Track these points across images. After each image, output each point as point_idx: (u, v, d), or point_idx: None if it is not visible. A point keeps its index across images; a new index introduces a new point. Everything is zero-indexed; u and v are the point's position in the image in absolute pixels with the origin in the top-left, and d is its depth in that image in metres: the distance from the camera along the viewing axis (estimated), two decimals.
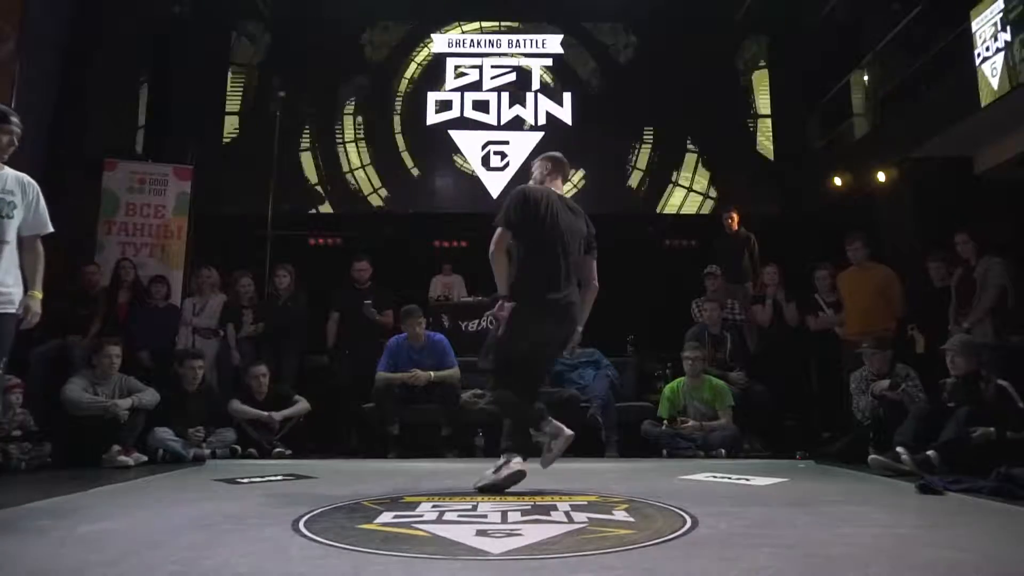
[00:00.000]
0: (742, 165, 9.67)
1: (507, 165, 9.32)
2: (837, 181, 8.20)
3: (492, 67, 9.62)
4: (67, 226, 6.98)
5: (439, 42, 9.68)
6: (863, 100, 8.24)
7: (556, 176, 3.68)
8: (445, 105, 9.57)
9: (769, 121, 9.75)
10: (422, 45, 9.86)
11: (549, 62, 9.66)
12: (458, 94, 9.59)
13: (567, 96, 9.57)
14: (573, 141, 9.46)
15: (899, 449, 4.17)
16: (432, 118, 9.51)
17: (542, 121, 9.53)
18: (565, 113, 9.54)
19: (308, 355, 6.61)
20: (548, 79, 9.67)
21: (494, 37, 9.62)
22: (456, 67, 9.64)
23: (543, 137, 9.37)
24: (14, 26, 6.58)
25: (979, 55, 5.86)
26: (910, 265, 6.13)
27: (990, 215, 6.43)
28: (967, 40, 6.03)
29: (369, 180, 9.60)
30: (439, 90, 9.66)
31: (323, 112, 9.76)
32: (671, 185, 9.68)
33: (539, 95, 9.55)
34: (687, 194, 9.66)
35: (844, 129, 8.48)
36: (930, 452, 4.02)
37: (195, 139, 8.78)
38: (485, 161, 9.38)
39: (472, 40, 9.65)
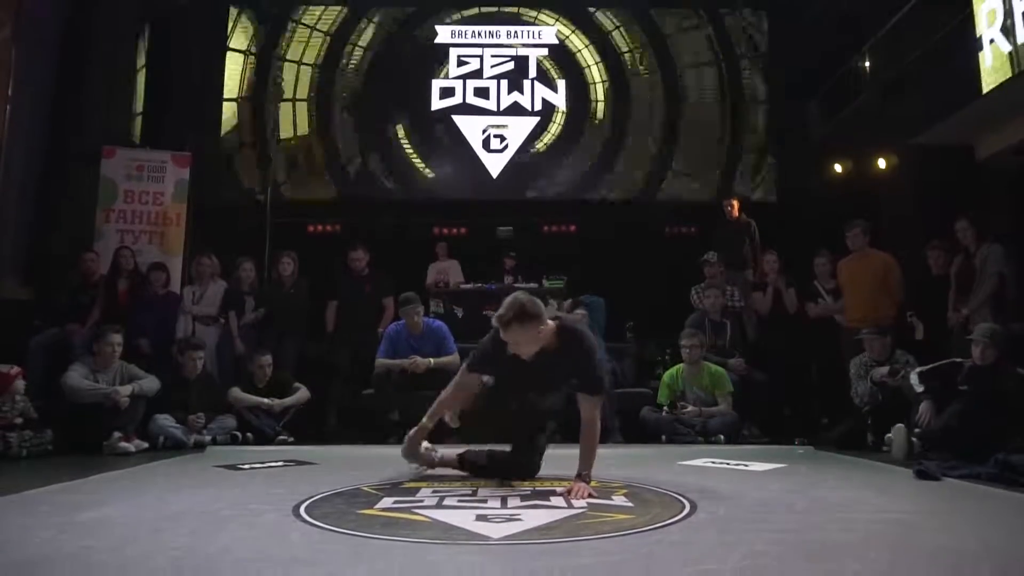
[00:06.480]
0: (743, 151, 9.64)
1: (506, 147, 9.64)
2: (837, 168, 8.18)
3: (492, 56, 9.85)
4: (66, 214, 7.11)
5: (442, 33, 9.89)
6: (864, 87, 8.21)
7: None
8: (448, 92, 9.78)
9: (769, 107, 9.72)
10: (420, 29, 9.92)
11: (545, 51, 9.87)
12: (460, 81, 9.79)
13: (561, 84, 9.81)
14: (569, 127, 9.73)
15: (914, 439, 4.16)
16: (436, 104, 9.72)
17: (538, 107, 9.76)
18: (560, 99, 9.78)
19: (308, 342, 6.61)
20: (545, 67, 9.85)
21: (494, 28, 9.88)
22: (459, 56, 9.86)
23: (540, 122, 9.72)
24: (10, 13, 6.54)
25: (981, 41, 5.83)
26: (910, 252, 6.12)
27: (991, 202, 6.43)
28: (969, 26, 6.00)
29: (369, 168, 9.64)
30: (443, 77, 9.83)
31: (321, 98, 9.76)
32: (670, 172, 9.68)
33: (535, 82, 9.79)
34: (687, 181, 9.65)
35: (845, 116, 8.45)
36: (913, 438, 4.02)
37: (194, 126, 8.75)
38: (486, 144, 9.68)
39: (473, 31, 9.88)
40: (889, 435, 4.05)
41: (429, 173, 9.70)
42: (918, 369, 4.49)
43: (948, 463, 3.56)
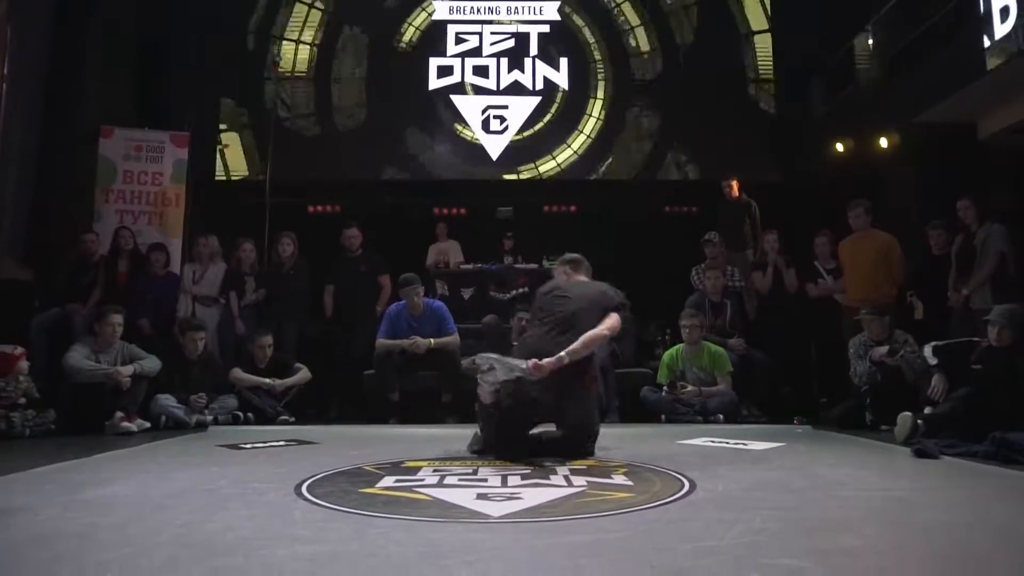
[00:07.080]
0: (743, 130, 9.58)
1: (506, 128, 9.48)
2: (839, 147, 8.14)
3: (491, 33, 9.67)
4: (65, 194, 7.08)
5: (440, 9, 9.72)
6: (867, 64, 8.13)
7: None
8: (446, 71, 9.60)
9: (771, 85, 9.64)
10: (420, 9, 9.76)
11: (547, 28, 9.69)
12: (459, 60, 9.62)
13: (563, 61, 9.65)
14: (570, 105, 9.59)
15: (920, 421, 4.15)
16: (433, 83, 9.56)
17: (539, 86, 9.61)
18: (562, 78, 9.63)
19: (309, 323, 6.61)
20: (546, 45, 9.69)
21: (493, 4, 9.70)
22: (457, 33, 9.67)
23: (540, 101, 9.54)
24: None
25: (985, 19, 5.76)
26: (911, 231, 6.10)
27: (992, 181, 6.39)
28: (973, 3, 5.93)
29: (370, 148, 9.58)
30: (440, 56, 9.65)
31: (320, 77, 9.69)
32: (671, 152, 9.63)
33: (536, 60, 9.62)
34: (687, 161, 9.60)
35: (847, 94, 8.38)
36: (920, 420, 4.02)
37: (192, 106, 8.69)
38: (485, 125, 9.51)
39: (472, 8, 9.69)
40: (896, 424, 4.06)
41: (429, 152, 9.62)
42: (933, 343, 4.45)
43: (946, 441, 3.57)
